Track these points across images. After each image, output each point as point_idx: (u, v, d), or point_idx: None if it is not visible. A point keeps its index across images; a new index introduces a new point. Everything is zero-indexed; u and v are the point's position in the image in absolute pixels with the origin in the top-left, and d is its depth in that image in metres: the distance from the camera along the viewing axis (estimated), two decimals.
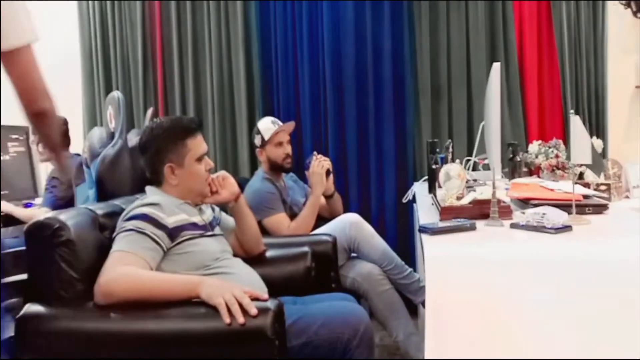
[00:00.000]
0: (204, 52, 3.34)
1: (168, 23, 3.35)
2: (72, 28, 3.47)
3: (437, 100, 3.17)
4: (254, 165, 3.25)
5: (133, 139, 3.04)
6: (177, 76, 3.36)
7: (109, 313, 1.35)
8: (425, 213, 1.89)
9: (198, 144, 1.72)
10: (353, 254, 2.36)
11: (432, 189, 2.11)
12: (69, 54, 3.46)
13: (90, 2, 3.42)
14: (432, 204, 1.98)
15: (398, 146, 3.19)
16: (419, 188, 2.56)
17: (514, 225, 1.55)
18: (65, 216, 1.48)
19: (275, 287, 1.72)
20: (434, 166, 2.16)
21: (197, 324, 1.33)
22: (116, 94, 2.12)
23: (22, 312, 1.35)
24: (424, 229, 1.52)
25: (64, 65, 3.39)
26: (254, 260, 1.86)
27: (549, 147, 2.46)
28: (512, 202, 1.84)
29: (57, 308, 1.39)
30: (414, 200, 2.52)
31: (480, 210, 1.65)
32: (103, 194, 1.90)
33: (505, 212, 1.65)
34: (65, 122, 2.91)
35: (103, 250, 1.50)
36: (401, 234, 3.11)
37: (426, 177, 2.48)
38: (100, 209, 1.68)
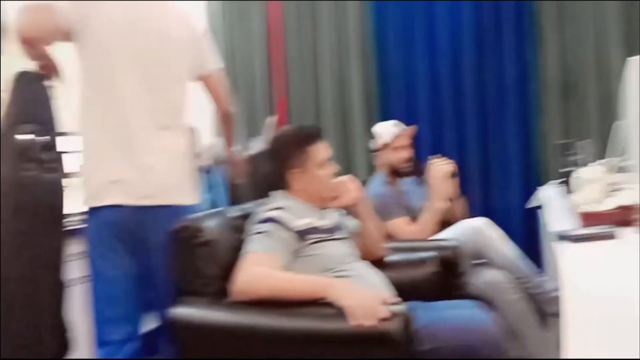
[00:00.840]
0: (323, 58, 3.42)
1: (289, 31, 3.48)
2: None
3: (566, 99, 2.97)
4: (370, 168, 3.26)
5: (256, 146, 3.21)
6: (297, 83, 3.47)
7: (245, 309, 1.42)
8: (558, 219, 1.78)
9: (319, 150, 1.77)
10: (480, 260, 2.28)
11: (566, 194, 1.98)
12: None
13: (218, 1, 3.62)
14: (567, 210, 1.85)
15: (522, 148, 3.04)
16: (548, 192, 2.42)
17: None
18: (204, 218, 1.58)
19: (399, 292, 1.71)
20: (567, 169, 2.02)
21: (326, 324, 1.36)
22: None
23: (171, 307, 1.47)
24: (562, 236, 1.43)
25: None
26: (378, 264, 1.86)
27: None
28: None
29: (198, 303, 1.49)
30: (540, 205, 2.38)
31: (624, 217, 1.52)
32: (233, 199, 2.02)
33: None
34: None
35: (237, 250, 1.59)
36: (527, 241, 2.95)
37: (556, 181, 2.33)
38: (232, 212, 1.78)
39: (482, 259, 2.27)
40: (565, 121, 2.98)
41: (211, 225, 1.58)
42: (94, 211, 1.65)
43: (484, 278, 2.20)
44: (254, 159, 3.00)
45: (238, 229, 1.70)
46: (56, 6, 1.55)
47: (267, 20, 3.52)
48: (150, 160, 1.65)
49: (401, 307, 1.33)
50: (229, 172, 2.48)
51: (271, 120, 3.22)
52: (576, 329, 0.85)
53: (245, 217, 1.73)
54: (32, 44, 1.54)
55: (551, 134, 2.97)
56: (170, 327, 1.48)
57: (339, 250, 1.70)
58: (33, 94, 1.50)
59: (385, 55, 3.30)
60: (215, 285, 1.52)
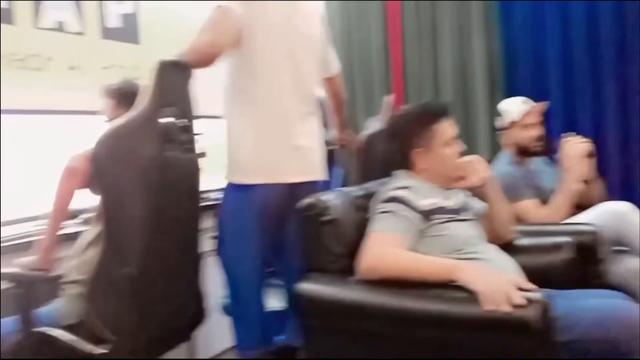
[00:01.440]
0: (442, 33, 3.30)
1: (408, 7, 3.40)
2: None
3: None
4: (493, 147, 3.11)
5: (372, 126, 3.19)
6: (416, 61, 3.38)
7: (371, 287, 1.42)
8: None
9: (445, 128, 1.71)
10: (620, 247, 2.09)
11: None
12: None
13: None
14: None
15: None
16: None
17: None
18: (329, 197, 1.61)
19: (530, 278, 1.61)
20: None
21: (457, 307, 1.31)
22: None
23: (300, 283, 1.51)
24: None
25: None
26: (507, 247, 1.77)
27: None
28: None
29: (325, 280, 1.52)
30: None
31: None
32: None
33: None
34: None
35: (360, 228, 1.59)
36: None
37: None
38: (355, 191, 1.78)
39: (623, 246, 2.08)
40: None
41: (336, 204, 1.60)
42: (243, 189, 1.84)
43: (625, 266, 2.02)
44: (371, 138, 3.00)
45: (361, 208, 1.70)
46: (233, 10, 1.78)
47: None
48: (303, 141, 1.93)
49: (540, 294, 1.25)
50: (347, 152, 2.52)
51: (388, 100, 3.18)
52: None
53: (368, 196, 1.73)
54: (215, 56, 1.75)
55: None
56: (298, 303, 1.52)
57: (465, 231, 1.64)
58: (173, 81, 1.60)
59: (511, 27, 3.11)
60: (341, 262, 1.54)
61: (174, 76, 1.59)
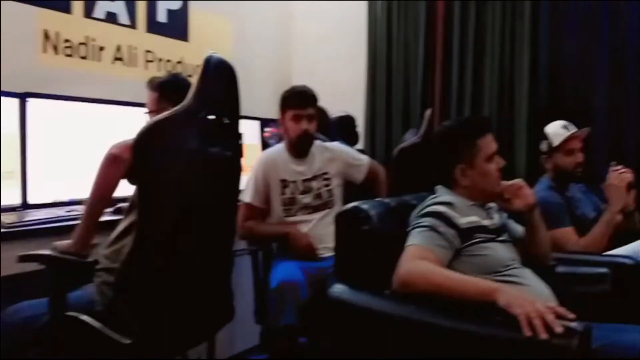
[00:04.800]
0: (486, 51, 3.27)
1: (451, 22, 3.37)
2: (360, 27, 3.73)
3: None
4: (531, 169, 3.06)
5: (409, 138, 3.17)
6: (456, 77, 3.36)
7: (406, 301, 1.39)
8: None
9: (488, 143, 1.68)
10: None
11: None
12: (355, 52, 3.74)
13: (379, 2, 3.63)
14: None
15: None
16: None
17: None
18: (368, 206, 1.59)
19: (564, 307, 1.57)
20: None
21: (493, 330, 1.28)
22: None
23: (330, 290, 1.49)
24: None
25: (350, 63, 3.71)
26: (541, 273, 1.72)
27: None
28: None
29: (359, 289, 1.50)
30: None
31: None
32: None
33: None
34: (351, 120, 3.17)
35: (396, 240, 1.56)
36: None
37: None
38: (394, 202, 1.76)
39: None
40: None
41: (375, 214, 1.58)
42: None
43: None
44: (408, 150, 2.98)
45: (396, 220, 1.67)
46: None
47: (429, 10, 3.45)
48: None
49: (580, 325, 1.21)
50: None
51: (428, 113, 3.15)
52: None
53: (405, 207, 1.70)
54: None
55: None
56: (330, 309, 1.50)
57: (504, 253, 1.61)
58: (219, 79, 1.60)
59: (559, 50, 3.06)
60: (376, 273, 1.51)
61: (221, 74, 1.60)
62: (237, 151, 1.67)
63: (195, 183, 1.54)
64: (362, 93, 3.72)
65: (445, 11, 3.40)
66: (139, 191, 1.53)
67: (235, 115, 1.64)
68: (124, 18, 2.77)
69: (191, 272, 1.59)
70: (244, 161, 1.69)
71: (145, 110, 2.01)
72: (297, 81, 2.44)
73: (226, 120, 1.61)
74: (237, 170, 1.69)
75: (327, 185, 2.30)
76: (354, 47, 3.76)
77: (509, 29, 3.20)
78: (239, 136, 1.65)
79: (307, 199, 2.26)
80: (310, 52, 3.92)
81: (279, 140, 2.74)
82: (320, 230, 2.23)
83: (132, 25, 2.81)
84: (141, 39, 2.86)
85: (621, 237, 2.23)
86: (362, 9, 3.72)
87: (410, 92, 3.55)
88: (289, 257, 2.19)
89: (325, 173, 2.31)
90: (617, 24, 2.89)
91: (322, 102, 2.44)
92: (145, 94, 2.06)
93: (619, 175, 2.21)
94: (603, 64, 2.92)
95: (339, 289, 1.51)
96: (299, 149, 2.28)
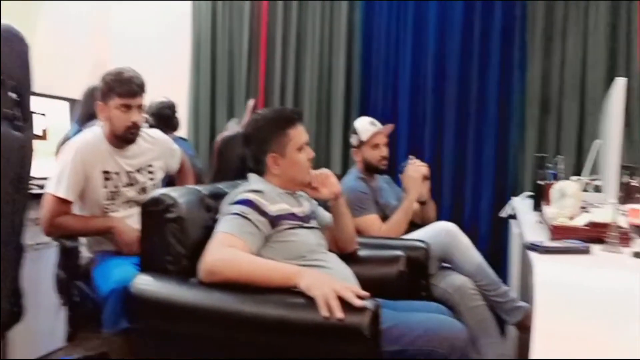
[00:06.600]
0: (306, 49, 3.41)
1: (274, 21, 3.45)
2: (185, 22, 3.63)
3: (546, 114, 3.03)
4: (345, 162, 3.26)
5: (232, 128, 3.16)
6: (279, 72, 3.44)
7: (211, 290, 1.38)
8: (530, 230, 1.80)
9: (299, 134, 1.73)
10: (445, 264, 2.29)
11: (538, 206, 2.00)
12: (180, 46, 3.63)
13: (203, 1, 3.57)
14: (539, 222, 1.87)
15: (499, 157, 3.08)
16: (520, 204, 2.45)
17: (637, 254, 1.43)
18: (177, 194, 1.54)
19: (365, 288, 1.69)
20: (542, 182, 2.05)
21: (294, 313, 1.33)
22: None
23: (133, 281, 1.42)
24: (533, 247, 1.44)
25: (175, 56, 3.59)
26: (347, 257, 1.84)
27: None
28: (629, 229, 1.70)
29: (163, 280, 1.45)
30: (511, 216, 2.41)
31: (596, 234, 1.54)
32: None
33: (624, 238, 1.53)
34: (172, 106, 3.06)
35: (208, 229, 1.55)
36: (494, 249, 2.99)
37: (530, 193, 2.37)
38: (206, 190, 1.73)
39: (448, 263, 2.28)
40: (543, 136, 3.04)
41: (183, 201, 1.53)
42: None
43: (449, 282, 2.21)
44: (229, 140, 2.97)
45: (210, 208, 1.66)
46: None
47: (253, 5, 3.48)
48: None
49: (372, 303, 1.31)
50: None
51: (251, 103, 3.18)
52: (544, 340, 0.85)
53: (218, 196, 1.69)
54: None
55: (529, 147, 3.02)
56: (131, 302, 1.42)
57: (311, 239, 1.68)
58: (10, 50, 1.41)
59: (371, 52, 3.30)
60: (183, 263, 1.48)
61: (11, 45, 1.41)
62: (30, 131, 1.49)
63: None
64: (185, 80, 3.62)
65: (268, 9, 3.45)
66: None
67: (26, 91, 1.46)
68: None
69: None
70: (48, 145, 1.52)
71: None
72: (115, 63, 2.23)
73: (14, 96, 1.43)
74: (27, 154, 1.51)
75: (152, 179, 2.16)
76: (176, 30, 3.63)
77: (327, 28, 3.36)
78: (30, 115, 1.48)
79: (131, 193, 2.09)
80: (129, 34, 3.69)
81: (81, 124, 2.52)
82: None
83: None
84: None
85: (419, 224, 2.49)
86: (188, 6, 3.62)
87: (235, 83, 3.55)
88: (113, 254, 2.01)
89: (150, 166, 2.16)
90: (420, 28, 3.20)
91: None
92: None
93: (415, 168, 2.45)
94: (406, 65, 3.21)
95: (143, 280, 1.44)
96: (125, 140, 2.10)
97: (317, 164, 3.02)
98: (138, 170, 2.12)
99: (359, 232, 2.34)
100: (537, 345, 0.82)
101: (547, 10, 3.03)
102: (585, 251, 1.44)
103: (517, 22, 3.05)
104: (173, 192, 1.55)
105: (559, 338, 0.87)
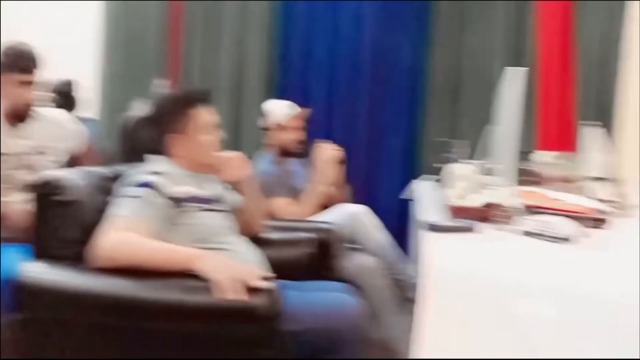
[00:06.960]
0: (225, 29, 3.33)
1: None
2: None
3: (452, 101, 3.16)
4: (259, 145, 3.25)
5: (139, 108, 3.05)
6: (196, 51, 3.35)
7: (105, 276, 1.33)
8: (429, 210, 1.88)
9: (203, 115, 1.69)
10: (354, 245, 2.34)
11: (441, 188, 2.09)
12: (90, 26, 3.46)
13: None
14: (438, 202, 1.96)
15: (407, 142, 3.19)
16: (421, 185, 2.55)
17: (526, 233, 1.53)
18: (72, 175, 1.47)
19: (275, 271, 1.70)
20: (443, 165, 2.14)
21: (190, 297, 1.31)
22: None
23: (22, 269, 1.34)
24: (427, 226, 1.51)
25: (89, 35, 3.42)
26: (256, 240, 1.84)
27: (559, 158, 2.43)
28: (520, 210, 1.82)
29: (55, 267, 1.38)
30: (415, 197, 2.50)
31: (488, 213, 1.64)
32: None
33: (513, 218, 1.63)
34: (69, 84, 2.93)
35: (103, 212, 1.48)
36: (399, 229, 3.09)
37: (431, 175, 2.47)
38: (102, 172, 1.67)
39: (356, 244, 2.34)
40: (447, 122, 3.17)
41: (77, 184, 1.46)
42: None
43: (355, 262, 2.27)
44: (134, 121, 2.86)
45: (106, 191, 1.59)
46: None
47: None
48: None
49: (270, 284, 1.32)
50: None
51: (159, 82, 3.07)
52: (433, 310, 0.90)
53: (116, 178, 1.63)
54: None
55: (433, 132, 3.15)
56: (19, 290, 1.35)
57: (216, 222, 1.66)
58: None
59: (289, 36, 3.30)
60: (75, 248, 1.41)
61: None
62: None
63: None
64: (95, 59, 3.45)
65: None
66: None
67: None
68: None
69: None
70: None
71: None
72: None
73: None
74: None
75: (53, 162, 2.02)
76: (89, 6, 3.45)
77: (245, 9, 3.31)
78: None
79: (28, 177, 1.94)
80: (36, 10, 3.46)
81: None
82: None
83: None
84: None
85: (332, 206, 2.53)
86: None
87: (148, 62, 3.42)
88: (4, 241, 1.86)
89: (49, 148, 2.03)
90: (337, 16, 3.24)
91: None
92: None
93: (325, 151, 2.48)
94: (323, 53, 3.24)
95: (33, 267, 1.37)
96: (19, 118, 1.96)
97: (229, 146, 3.01)
98: (36, 153, 1.99)
99: (270, 216, 2.35)
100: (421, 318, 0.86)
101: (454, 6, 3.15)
102: (470, 229, 1.53)
103: (425, 13, 3.15)
104: (67, 174, 1.48)
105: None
